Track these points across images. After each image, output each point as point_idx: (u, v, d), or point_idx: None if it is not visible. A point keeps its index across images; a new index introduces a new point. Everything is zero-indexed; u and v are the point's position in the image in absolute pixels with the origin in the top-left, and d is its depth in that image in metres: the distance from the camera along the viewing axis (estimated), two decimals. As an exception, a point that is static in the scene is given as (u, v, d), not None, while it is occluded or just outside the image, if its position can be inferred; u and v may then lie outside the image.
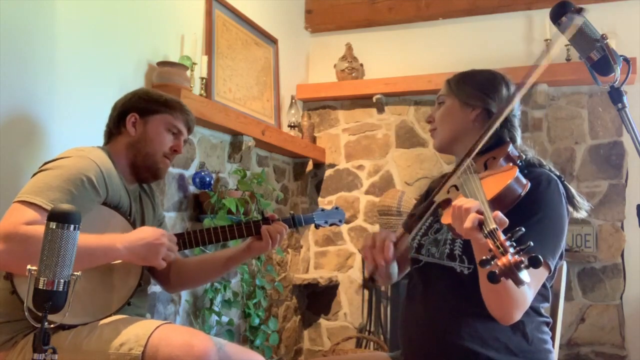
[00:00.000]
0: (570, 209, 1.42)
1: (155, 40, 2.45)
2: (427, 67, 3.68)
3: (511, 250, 0.97)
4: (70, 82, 1.99)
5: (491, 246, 1.00)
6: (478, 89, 1.52)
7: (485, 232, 1.04)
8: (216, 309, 2.70)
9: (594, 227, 3.32)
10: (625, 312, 3.26)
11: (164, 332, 1.43)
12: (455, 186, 1.31)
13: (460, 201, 1.14)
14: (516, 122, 1.54)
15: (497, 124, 1.32)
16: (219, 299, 2.73)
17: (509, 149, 1.37)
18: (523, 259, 0.95)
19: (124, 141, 1.71)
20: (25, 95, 1.84)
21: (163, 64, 2.39)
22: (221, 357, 1.44)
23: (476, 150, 1.30)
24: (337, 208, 1.95)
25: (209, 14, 2.83)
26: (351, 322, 3.76)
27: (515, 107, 1.52)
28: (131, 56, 2.31)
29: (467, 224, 1.08)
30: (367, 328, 3.54)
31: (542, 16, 3.47)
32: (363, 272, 3.73)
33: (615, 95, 1.22)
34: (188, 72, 2.48)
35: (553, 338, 1.48)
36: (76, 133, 1.98)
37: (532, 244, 0.99)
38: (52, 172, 1.48)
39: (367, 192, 3.81)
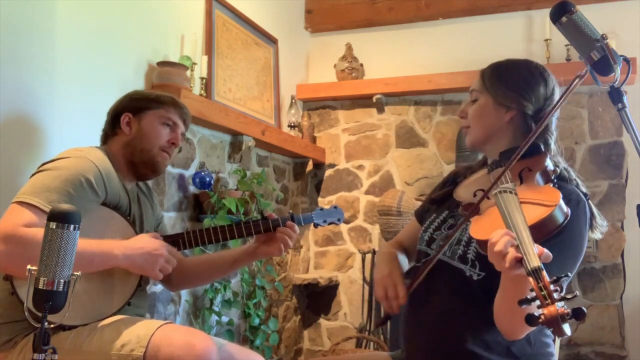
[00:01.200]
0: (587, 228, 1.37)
1: (155, 40, 2.45)
2: (427, 67, 3.68)
3: (556, 296, 0.93)
4: (70, 82, 1.99)
5: (534, 287, 0.95)
6: (513, 89, 1.43)
7: (528, 269, 0.98)
8: (216, 309, 2.70)
9: (594, 227, 3.32)
10: (625, 312, 3.26)
11: (165, 332, 1.43)
12: (483, 192, 1.25)
13: (493, 237, 1.08)
14: (554, 124, 1.48)
15: (538, 133, 1.27)
16: (219, 299, 2.72)
17: (546, 164, 1.31)
18: (569, 311, 0.91)
19: (120, 141, 1.71)
20: (25, 95, 1.84)
21: (163, 64, 2.39)
22: (222, 357, 1.44)
23: (514, 162, 1.25)
24: (335, 207, 1.94)
25: (209, 14, 2.83)
26: (351, 322, 3.76)
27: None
28: (131, 56, 2.31)
29: (507, 264, 1.03)
30: (367, 328, 3.53)
31: (542, 16, 3.47)
32: (363, 272, 3.73)
33: (615, 95, 1.22)
34: (188, 72, 2.48)
35: (554, 339, 1.48)
36: (76, 133, 1.97)
37: (577, 294, 0.95)
38: (50, 172, 1.48)
39: (367, 192, 3.81)
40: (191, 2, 2.73)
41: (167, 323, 1.48)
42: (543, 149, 1.41)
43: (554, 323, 0.91)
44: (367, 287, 3.68)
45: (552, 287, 0.94)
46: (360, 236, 3.79)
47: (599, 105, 3.40)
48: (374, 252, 3.67)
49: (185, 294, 2.59)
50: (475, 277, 1.35)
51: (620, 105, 1.21)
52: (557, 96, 1.46)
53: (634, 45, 3.29)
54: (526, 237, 1.04)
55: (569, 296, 0.93)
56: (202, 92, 2.67)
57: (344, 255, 3.82)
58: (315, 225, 1.89)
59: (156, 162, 1.72)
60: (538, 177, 1.29)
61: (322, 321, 3.83)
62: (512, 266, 1.03)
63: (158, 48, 2.46)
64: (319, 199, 3.92)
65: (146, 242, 1.53)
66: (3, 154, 1.74)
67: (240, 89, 3.06)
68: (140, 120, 1.71)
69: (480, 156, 1.62)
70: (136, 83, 2.31)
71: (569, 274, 0.98)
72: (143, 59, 2.37)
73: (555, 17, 1.24)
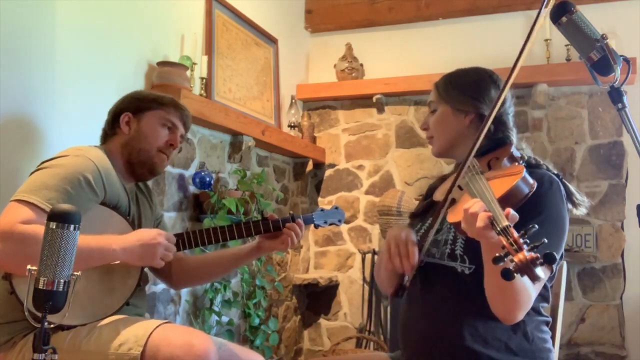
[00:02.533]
0: (570, 206, 1.43)
1: (155, 40, 2.45)
2: (427, 67, 3.68)
3: (526, 246, 0.98)
4: (70, 82, 1.99)
5: (505, 243, 1.01)
6: (467, 94, 1.51)
7: (498, 229, 1.04)
8: (216, 309, 2.70)
9: (594, 227, 3.32)
10: (625, 312, 3.26)
11: (164, 332, 1.43)
12: (459, 186, 1.31)
13: (468, 204, 1.15)
14: (510, 122, 1.53)
15: (486, 129, 1.31)
16: (219, 299, 2.73)
17: (511, 150, 1.38)
18: (539, 255, 0.96)
19: (119, 141, 1.71)
20: (25, 95, 1.84)
21: (163, 64, 2.39)
22: (221, 357, 1.44)
23: (471, 156, 1.30)
24: (336, 208, 1.94)
25: (209, 14, 2.83)
26: (351, 322, 3.76)
27: (507, 106, 1.52)
28: (131, 56, 2.31)
29: (480, 223, 1.09)
30: (367, 328, 3.54)
31: (542, 16, 3.46)
32: (363, 272, 3.73)
33: (615, 95, 1.22)
34: (188, 72, 2.48)
35: (553, 338, 1.49)
36: (76, 133, 1.97)
37: (546, 240, 1.00)
38: (49, 170, 1.48)
39: (367, 192, 3.81)
40: (191, 2, 2.74)
41: (166, 323, 1.48)
42: (507, 140, 1.48)
43: (526, 268, 0.96)
44: (367, 287, 3.68)
45: (521, 239, 0.99)
46: (360, 236, 3.79)
47: (599, 105, 3.40)
48: (374, 252, 3.67)
49: (185, 294, 2.59)
50: (467, 272, 1.38)
51: (620, 105, 1.21)
52: (509, 98, 1.53)
53: (634, 45, 3.29)
54: (495, 205, 1.12)
55: (537, 243, 0.99)
56: (202, 92, 2.67)
57: (344, 255, 3.83)
58: (316, 226, 1.90)
59: (154, 163, 1.72)
60: (505, 161, 1.36)
61: (322, 321, 3.83)
62: (485, 225, 1.07)
63: (158, 48, 2.46)
64: (319, 199, 3.92)
65: (143, 234, 1.53)
66: (3, 153, 1.74)
67: (240, 89, 3.06)
68: (140, 120, 1.71)
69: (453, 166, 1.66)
70: (136, 83, 2.31)
71: (536, 226, 1.02)
72: (143, 59, 2.37)
73: (555, 17, 1.25)
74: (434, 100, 1.57)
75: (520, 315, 1.27)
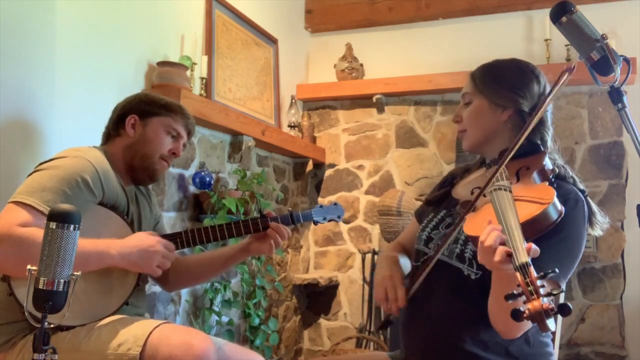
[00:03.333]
0: (587, 224, 1.36)
1: (155, 40, 2.45)
2: (427, 67, 3.68)
3: (542, 291, 0.93)
4: (70, 82, 1.99)
5: (520, 282, 0.95)
6: (508, 88, 1.42)
7: (516, 264, 0.98)
8: (216, 309, 2.70)
9: (594, 227, 3.32)
10: (625, 312, 3.26)
11: (163, 332, 1.43)
12: (480, 190, 1.25)
13: (483, 236, 1.09)
14: (549, 120, 1.47)
15: (531, 128, 1.27)
16: (219, 299, 2.72)
17: (544, 162, 1.31)
18: (554, 306, 0.91)
19: (122, 143, 1.71)
20: (25, 95, 1.84)
21: (163, 64, 2.39)
22: (221, 357, 1.44)
23: (509, 158, 1.25)
24: (335, 204, 1.91)
25: (209, 14, 2.83)
26: (351, 322, 3.76)
27: (549, 104, 1.44)
28: (131, 56, 2.31)
29: (497, 257, 1.04)
30: (367, 328, 3.54)
31: (542, 16, 3.47)
32: (363, 272, 3.73)
33: (615, 95, 1.22)
34: (188, 72, 2.48)
35: (553, 339, 1.48)
36: (75, 133, 1.97)
37: (563, 289, 0.96)
38: (47, 172, 1.47)
39: (367, 192, 3.81)
40: (191, 2, 2.73)
41: (165, 323, 1.48)
42: (542, 148, 1.40)
43: (538, 318, 0.91)
44: (367, 287, 3.68)
45: (538, 282, 0.94)
46: (360, 236, 3.79)
47: (599, 105, 3.40)
48: (374, 252, 3.67)
49: (185, 293, 2.59)
50: (472, 277, 1.35)
51: (620, 105, 1.21)
52: (551, 98, 1.44)
53: (634, 45, 3.29)
54: (516, 233, 1.04)
55: (554, 292, 0.93)
56: (202, 92, 2.67)
57: (344, 255, 3.83)
58: (315, 223, 1.87)
59: (155, 169, 1.72)
60: (535, 175, 1.29)
61: (322, 321, 3.83)
62: (503, 260, 1.03)
63: (158, 48, 2.45)
64: (319, 199, 3.92)
65: (142, 240, 1.53)
66: (3, 153, 1.73)
67: (240, 89, 3.06)
68: (146, 125, 1.71)
69: (478, 156, 1.62)
70: (136, 83, 2.31)
71: (556, 270, 0.98)
72: (143, 59, 2.37)
73: (555, 17, 1.25)
74: (470, 91, 1.48)
75: (519, 335, 1.27)
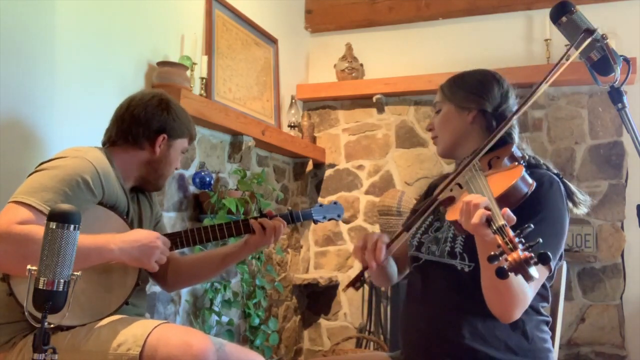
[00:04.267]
0: (571, 205, 1.43)
1: (155, 40, 2.45)
2: (427, 67, 3.68)
3: (520, 246, 0.99)
4: (70, 82, 1.99)
5: (500, 242, 1.02)
6: (470, 91, 1.54)
7: (494, 228, 1.05)
8: (216, 309, 2.70)
9: (594, 227, 3.32)
10: (625, 312, 3.26)
11: (162, 332, 1.43)
12: (459, 184, 1.32)
13: (469, 197, 1.15)
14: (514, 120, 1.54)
15: (503, 131, 1.34)
16: (219, 299, 2.73)
17: (512, 149, 1.39)
18: (533, 254, 0.97)
19: (142, 157, 1.69)
20: (25, 95, 1.84)
21: (163, 64, 2.39)
22: (220, 357, 1.44)
23: (481, 154, 1.32)
24: (335, 203, 1.92)
25: (209, 14, 2.83)
26: (351, 322, 3.76)
27: (511, 103, 1.54)
28: (131, 56, 2.31)
29: (475, 219, 1.10)
30: (367, 328, 3.54)
31: (542, 16, 3.47)
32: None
33: (615, 95, 1.22)
34: (188, 72, 2.48)
35: (553, 338, 1.49)
36: (76, 133, 1.97)
37: (541, 240, 1.00)
38: (47, 172, 1.47)
39: (367, 192, 3.81)
40: (191, 2, 2.74)
41: (164, 323, 1.48)
42: (509, 140, 1.50)
43: (520, 268, 0.96)
44: (367, 287, 3.68)
45: (516, 239, 1.00)
46: (360, 236, 3.78)
47: (599, 105, 3.40)
48: (374, 252, 3.66)
49: (185, 294, 2.59)
50: (466, 269, 1.38)
51: (620, 105, 1.22)
52: (512, 96, 1.55)
53: (634, 45, 3.29)
54: (492, 204, 1.12)
55: (532, 243, 0.99)
56: (202, 92, 2.67)
57: (344, 255, 3.83)
58: (315, 222, 1.87)
59: (164, 184, 1.80)
60: (506, 161, 1.37)
61: (322, 321, 3.83)
62: (481, 223, 1.08)
63: (158, 48, 2.46)
64: (319, 199, 3.92)
65: (141, 235, 1.53)
66: (3, 153, 1.74)
67: (240, 89, 3.06)
68: (171, 146, 1.72)
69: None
70: (136, 83, 2.31)
71: (532, 225, 1.03)
72: (143, 59, 2.37)
73: (555, 17, 1.25)
74: (439, 100, 1.60)
75: (517, 314, 1.28)
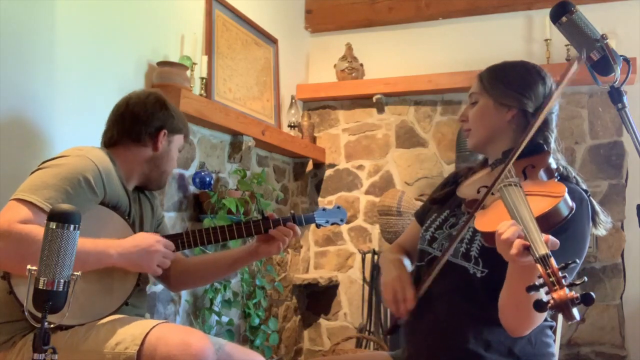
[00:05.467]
0: (590, 224, 1.38)
1: (155, 40, 2.45)
2: (427, 67, 3.68)
3: (564, 281, 0.94)
4: (70, 82, 1.99)
5: (542, 273, 0.96)
6: (513, 88, 1.44)
7: (536, 256, 0.99)
8: (216, 309, 2.70)
9: (594, 227, 3.32)
10: (625, 312, 3.26)
11: (161, 331, 1.43)
12: (487, 188, 1.26)
13: (501, 230, 1.09)
14: (553, 121, 1.49)
15: (535, 128, 1.28)
16: (219, 299, 2.72)
17: (549, 160, 1.33)
18: (578, 295, 0.92)
19: (144, 154, 1.69)
20: (25, 95, 1.84)
21: (163, 64, 2.39)
22: (220, 357, 1.44)
23: (514, 158, 1.26)
24: (338, 207, 1.90)
25: (209, 14, 2.83)
26: (351, 322, 3.76)
27: (555, 105, 1.48)
28: (131, 56, 2.31)
29: (514, 250, 1.04)
30: (367, 328, 3.54)
31: (542, 16, 3.47)
32: (363, 272, 3.73)
33: (615, 95, 1.22)
34: (188, 72, 2.48)
35: (554, 340, 1.48)
36: (76, 133, 1.97)
37: (586, 279, 0.96)
38: (49, 170, 1.47)
39: (367, 192, 3.81)
40: (191, 2, 2.73)
41: (163, 322, 1.48)
42: (545, 148, 1.42)
43: (564, 307, 0.91)
44: (367, 287, 3.68)
45: (560, 273, 0.95)
46: (360, 236, 3.79)
47: (599, 105, 3.40)
48: (374, 252, 3.67)
49: (185, 294, 2.59)
50: (478, 275, 1.35)
51: (620, 105, 1.22)
52: (555, 99, 1.45)
53: (634, 45, 3.29)
54: (533, 226, 1.05)
55: (577, 282, 0.94)
56: (202, 92, 2.67)
57: (344, 255, 3.83)
58: (318, 226, 1.87)
59: (166, 182, 1.79)
60: (542, 173, 1.30)
61: (322, 321, 3.83)
62: (520, 253, 1.04)
63: (158, 48, 2.45)
64: (319, 199, 3.92)
65: (141, 240, 1.53)
66: (3, 153, 1.74)
67: (240, 89, 3.06)
68: (171, 142, 1.74)
69: (480, 157, 1.62)
70: (136, 83, 2.31)
71: (577, 260, 0.99)
72: (143, 59, 2.37)
73: (555, 17, 1.25)
74: (476, 92, 1.50)
75: (529, 331, 1.26)
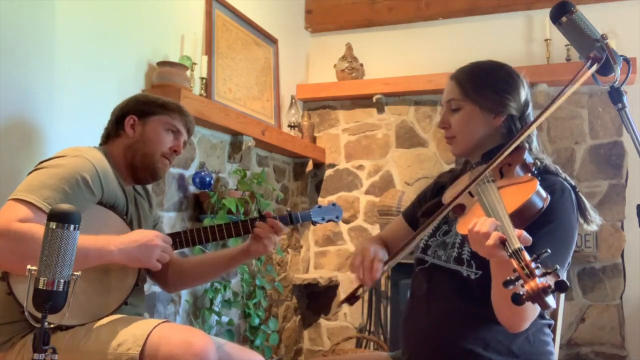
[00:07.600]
0: (581, 220, 1.38)
1: (155, 40, 2.45)
2: (427, 67, 3.68)
3: (537, 272, 0.95)
4: (70, 82, 1.99)
5: (516, 267, 0.98)
6: (500, 93, 1.43)
7: (510, 251, 1.02)
8: (216, 309, 2.70)
9: (594, 227, 3.32)
10: (625, 312, 3.26)
11: (163, 331, 1.43)
12: (470, 192, 1.28)
13: (475, 225, 1.11)
14: (531, 117, 1.49)
15: (525, 136, 1.29)
16: (219, 299, 2.72)
17: (524, 156, 1.34)
18: (550, 284, 0.93)
19: (122, 143, 1.71)
20: (25, 95, 1.84)
21: (163, 64, 2.39)
22: (221, 357, 1.44)
23: (497, 162, 1.27)
24: (334, 204, 1.91)
25: (209, 14, 2.83)
26: (351, 322, 3.76)
27: (530, 106, 1.48)
28: (131, 56, 2.31)
29: (490, 241, 1.06)
30: (367, 328, 3.54)
31: (542, 16, 3.47)
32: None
33: (615, 95, 1.22)
34: (188, 72, 2.48)
35: (553, 339, 1.48)
36: (75, 133, 1.98)
37: (558, 267, 0.97)
38: (47, 170, 1.48)
39: (367, 192, 3.81)
40: (191, 2, 2.73)
41: (164, 322, 1.48)
42: (521, 144, 1.41)
43: (537, 297, 0.93)
44: (366, 287, 3.67)
45: (533, 264, 0.97)
46: (360, 236, 3.79)
47: (599, 105, 3.40)
48: (374, 252, 3.66)
49: (185, 294, 2.59)
50: (472, 277, 1.36)
51: (620, 105, 1.22)
52: (529, 95, 1.50)
53: (634, 45, 3.29)
54: (506, 222, 1.08)
55: (549, 270, 0.96)
56: (202, 92, 2.67)
57: (344, 255, 3.82)
58: (314, 223, 1.87)
59: (156, 167, 1.72)
60: (518, 169, 1.32)
61: (322, 321, 3.83)
62: (496, 244, 1.05)
63: (158, 48, 2.45)
64: (319, 199, 3.92)
65: (140, 235, 1.53)
66: (2, 153, 1.74)
67: (240, 89, 3.06)
68: (145, 124, 1.71)
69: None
70: (136, 83, 2.31)
71: (549, 250, 1.00)
72: (143, 59, 2.37)
73: (555, 17, 1.25)
74: (457, 98, 1.47)
75: (525, 326, 1.27)
